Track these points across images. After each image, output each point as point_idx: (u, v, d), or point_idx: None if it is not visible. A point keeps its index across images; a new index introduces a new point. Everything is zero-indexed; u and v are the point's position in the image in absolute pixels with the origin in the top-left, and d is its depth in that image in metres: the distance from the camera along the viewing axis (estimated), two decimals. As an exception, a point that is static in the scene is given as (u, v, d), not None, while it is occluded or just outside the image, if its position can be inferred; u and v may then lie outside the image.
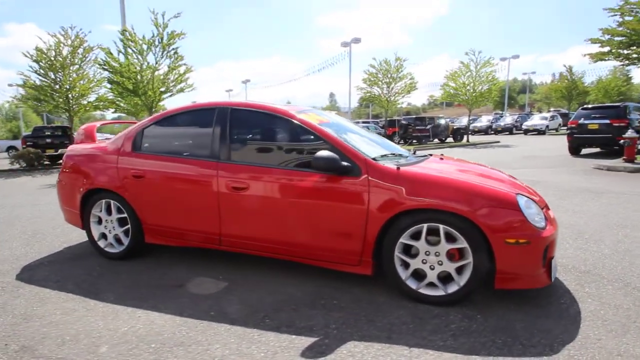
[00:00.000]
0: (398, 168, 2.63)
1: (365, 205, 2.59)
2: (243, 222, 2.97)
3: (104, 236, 3.57)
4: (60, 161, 15.65)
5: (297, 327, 2.30)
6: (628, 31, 8.71)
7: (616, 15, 9.09)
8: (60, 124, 18.85)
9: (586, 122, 11.58)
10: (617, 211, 4.94)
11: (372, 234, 2.60)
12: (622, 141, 9.05)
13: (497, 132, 28.23)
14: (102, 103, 14.75)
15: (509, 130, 27.51)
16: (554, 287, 2.79)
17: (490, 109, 37.29)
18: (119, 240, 3.50)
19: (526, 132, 25.58)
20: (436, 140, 21.08)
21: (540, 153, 13.29)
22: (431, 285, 2.56)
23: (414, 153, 3.38)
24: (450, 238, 2.47)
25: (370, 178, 2.60)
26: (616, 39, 9.27)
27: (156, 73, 12.47)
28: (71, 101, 14.00)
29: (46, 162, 15.14)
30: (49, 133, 15.21)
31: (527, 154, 13.31)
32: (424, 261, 2.54)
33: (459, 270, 2.49)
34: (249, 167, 2.95)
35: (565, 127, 27.21)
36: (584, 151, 12.36)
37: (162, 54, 12.26)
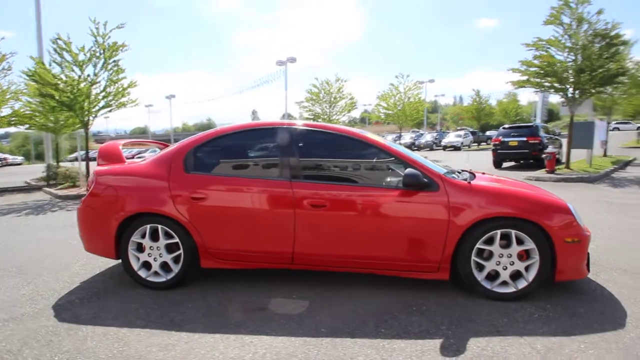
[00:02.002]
0: (469, 182, 2.99)
1: (446, 217, 2.88)
2: (321, 239, 3.04)
3: (145, 265, 3.30)
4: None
5: (414, 333, 2.47)
6: (544, 63, 10.51)
7: (532, 49, 10.92)
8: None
9: (507, 139, 13.51)
10: (572, 213, 5.95)
11: (452, 242, 2.90)
12: (543, 156, 10.79)
13: (419, 148, 31.00)
14: (16, 118, 12.92)
15: (429, 146, 30.42)
16: (580, 277, 3.36)
17: (408, 127, 40.74)
18: (166, 268, 3.27)
19: (445, 148, 28.59)
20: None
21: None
22: (503, 283, 2.93)
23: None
24: (518, 241, 2.88)
25: (448, 192, 2.91)
26: (532, 69, 11.09)
27: (94, 86, 11.38)
28: (-22, 116, 12.03)
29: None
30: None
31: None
32: (498, 263, 2.91)
33: (527, 269, 2.90)
34: (326, 185, 3.06)
35: (477, 144, 31.27)
36: (504, 165, 14.33)
37: (102, 66, 11.26)
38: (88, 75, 11.08)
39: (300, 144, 3.17)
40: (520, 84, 11.43)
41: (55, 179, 13.57)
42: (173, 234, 3.20)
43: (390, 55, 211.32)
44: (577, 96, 10.78)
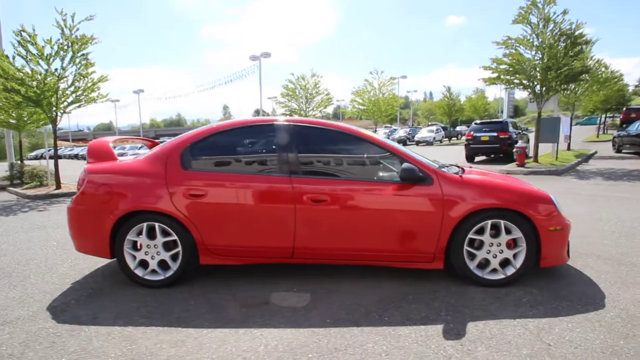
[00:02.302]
0: (461, 176, 3.14)
1: (441, 209, 3.03)
2: (321, 233, 3.12)
3: (142, 264, 3.26)
4: None
5: (417, 319, 2.60)
6: (513, 60, 10.98)
7: (502, 47, 11.37)
8: None
9: (479, 134, 14.04)
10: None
11: (446, 233, 3.05)
12: (514, 150, 11.31)
13: (393, 143, 31.57)
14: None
15: (403, 141, 31.04)
16: (560, 263, 3.60)
17: (382, 123, 41.45)
18: (163, 266, 3.25)
19: (417, 143, 29.33)
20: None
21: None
22: (493, 271, 3.11)
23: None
24: (507, 230, 3.07)
25: (442, 185, 3.05)
26: (502, 67, 11.55)
27: (62, 80, 10.88)
28: None
29: None
30: None
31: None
32: (488, 251, 3.09)
33: (515, 256, 3.10)
34: (325, 180, 3.14)
35: (448, 139, 32.23)
36: (476, 159, 14.88)
37: (70, 59, 10.78)
38: (56, 70, 10.59)
39: (299, 140, 3.22)
40: (491, 81, 11.89)
41: (20, 178, 12.92)
42: (171, 231, 3.18)
43: (361, 52, 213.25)
44: (544, 93, 11.34)
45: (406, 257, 3.14)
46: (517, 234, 3.05)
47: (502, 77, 11.57)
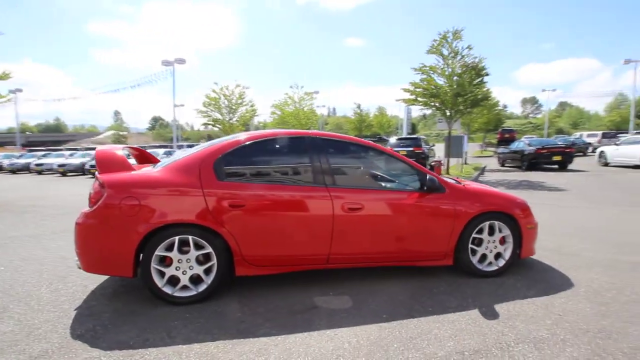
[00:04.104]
0: (464, 185, 3.73)
1: (453, 213, 3.56)
2: (355, 239, 3.37)
3: (170, 280, 3.09)
4: None
5: (453, 307, 3.04)
6: (430, 86, 12.61)
7: (418, 73, 12.98)
8: None
9: (398, 149, 15.54)
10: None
11: (456, 234, 3.59)
12: (433, 163, 12.88)
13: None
14: None
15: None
16: (522, 255, 4.43)
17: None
18: (195, 281, 3.13)
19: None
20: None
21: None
22: (489, 264, 3.75)
23: None
24: (499, 229, 3.74)
25: (452, 193, 3.59)
26: (418, 90, 13.16)
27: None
28: None
29: None
30: None
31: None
32: (486, 248, 3.72)
33: (505, 250, 3.78)
34: (360, 189, 3.42)
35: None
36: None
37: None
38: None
39: (334, 153, 3.46)
40: (410, 102, 13.43)
41: None
42: (205, 244, 3.09)
43: (266, 64, 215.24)
44: (453, 115, 13.23)
45: (426, 255, 3.58)
46: (506, 232, 3.74)
47: (419, 99, 13.14)
